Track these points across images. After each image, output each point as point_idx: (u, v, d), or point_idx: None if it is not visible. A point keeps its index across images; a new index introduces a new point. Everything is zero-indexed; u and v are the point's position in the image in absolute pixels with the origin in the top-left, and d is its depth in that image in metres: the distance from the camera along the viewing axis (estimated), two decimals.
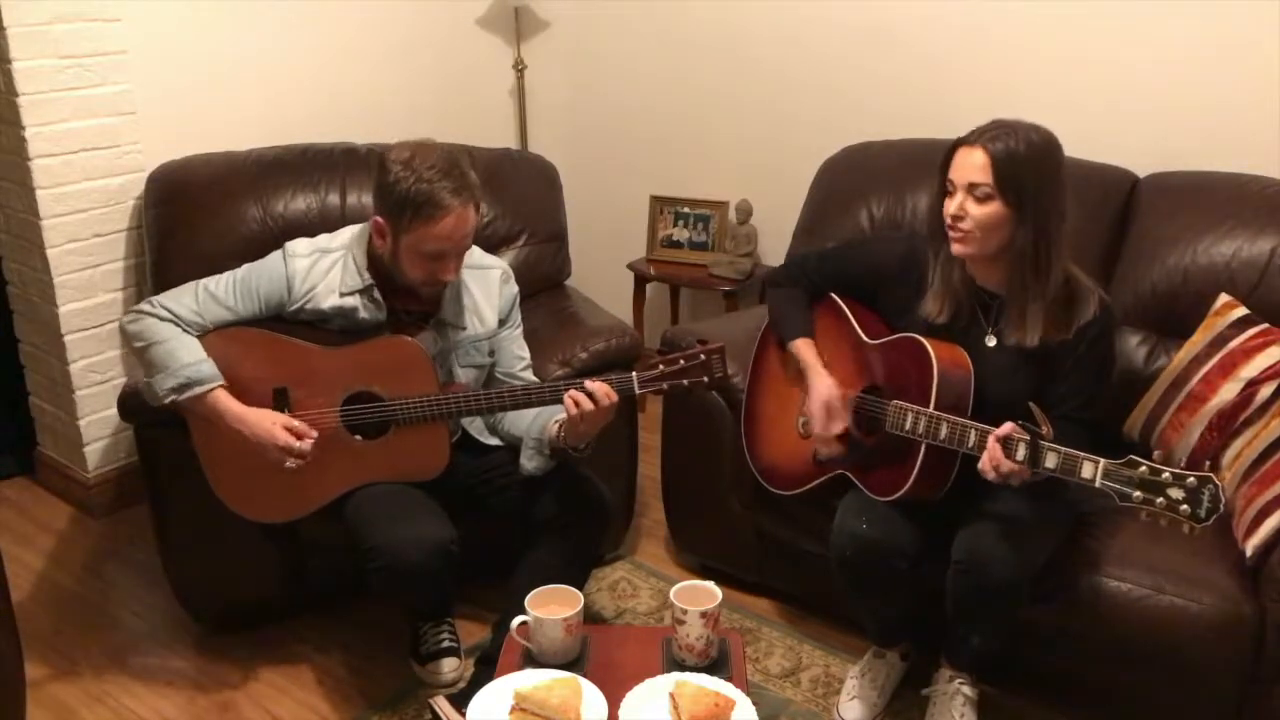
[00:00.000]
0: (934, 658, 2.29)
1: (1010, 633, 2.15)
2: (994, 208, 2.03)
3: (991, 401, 2.10)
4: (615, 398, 2.12)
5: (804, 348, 2.36)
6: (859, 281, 2.37)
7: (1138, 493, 1.80)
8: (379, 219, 2.19)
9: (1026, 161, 2.01)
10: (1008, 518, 2.06)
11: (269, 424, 2.19)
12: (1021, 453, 1.92)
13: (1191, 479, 1.76)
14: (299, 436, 2.19)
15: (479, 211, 2.21)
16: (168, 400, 2.17)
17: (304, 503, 2.28)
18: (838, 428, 2.25)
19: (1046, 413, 1.95)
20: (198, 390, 2.17)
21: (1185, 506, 1.76)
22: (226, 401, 2.19)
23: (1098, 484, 1.85)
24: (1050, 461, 1.90)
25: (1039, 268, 2.06)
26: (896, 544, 2.11)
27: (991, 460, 1.95)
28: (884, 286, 2.32)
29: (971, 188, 2.04)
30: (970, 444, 2.01)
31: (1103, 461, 1.85)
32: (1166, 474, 1.78)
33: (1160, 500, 1.78)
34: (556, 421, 2.21)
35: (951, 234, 2.09)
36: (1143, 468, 1.81)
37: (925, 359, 2.11)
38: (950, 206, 2.07)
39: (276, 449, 2.17)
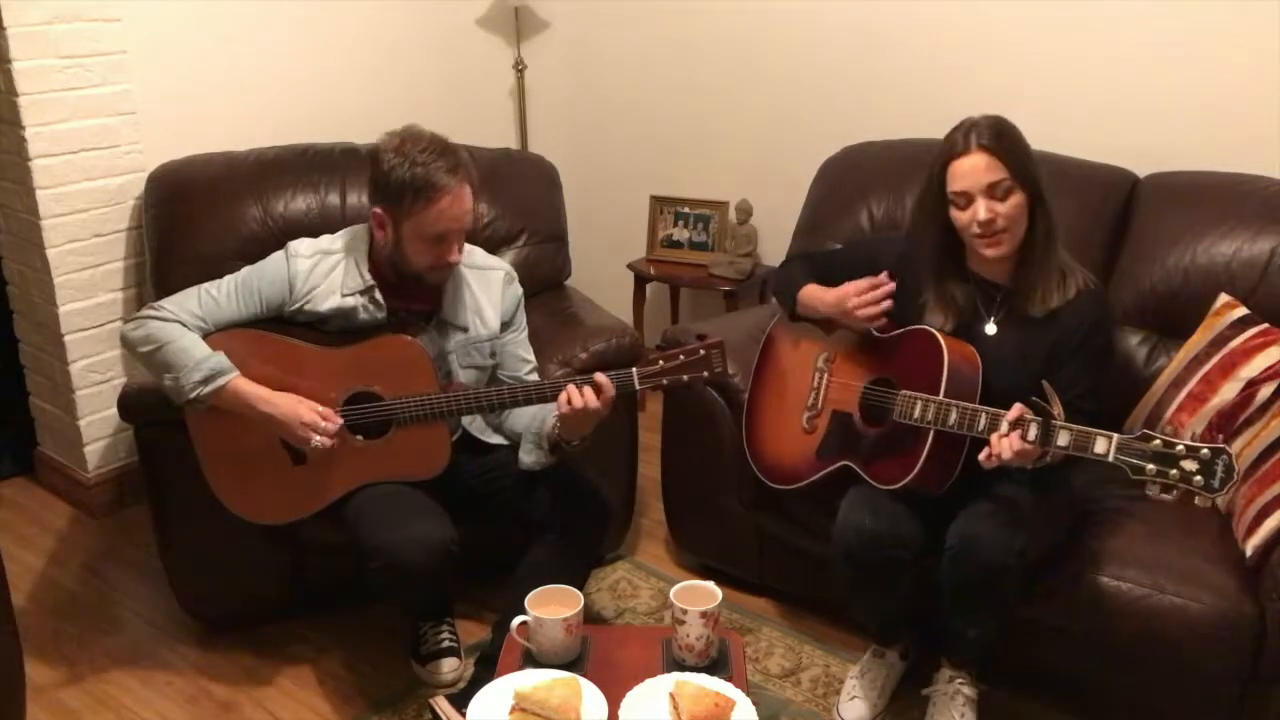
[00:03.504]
0: (934, 658, 2.30)
1: (1004, 623, 2.15)
2: (1018, 198, 2.08)
3: (995, 390, 2.11)
4: (611, 395, 2.13)
5: (812, 288, 2.35)
6: (859, 278, 2.36)
7: (1151, 465, 1.81)
8: (378, 210, 2.19)
9: (1016, 143, 2.09)
10: (1002, 499, 2.06)
11: (294, 402, 2.19)
12: (1033, 432, 1.93)
13: (1205, 450, 1.77)
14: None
15: (475, 190, 2.21)
16: (194, 394, 2.16)
17: (305, 504, 2.28)
18: (885, 289, 2.24)
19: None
20: (223, 380, 2.16)
21: (1199, 478, 1.77)
22: (250, 386, 2.19)
23: (1111, 458, 1.85)
24: (1063, 439, 1.90)
25: (1053, 243, 2.13)
26: (900, 535, 2.11)
27: (1006, 443, 1.92)
28: None
29: (991, 188, 2.06)
30: (980, 427, 2.01)
31: (1116, 436, 1.86)
32: (1180, 446, 1.79)
33: (1174, 472, 1.79)
34: (554, 415, 2.21)
35: (983, 241, 2.10)
36: (1156, 441, 1.82)
37: (936, 350, 2.12)
38: (978, 214, 2.07)
39: (302, 425, 2.17)
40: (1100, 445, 1.87)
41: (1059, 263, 2.16)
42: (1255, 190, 2.50)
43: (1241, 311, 2.36)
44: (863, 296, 2.25)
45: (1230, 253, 2.44)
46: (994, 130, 2.07)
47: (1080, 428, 1.90)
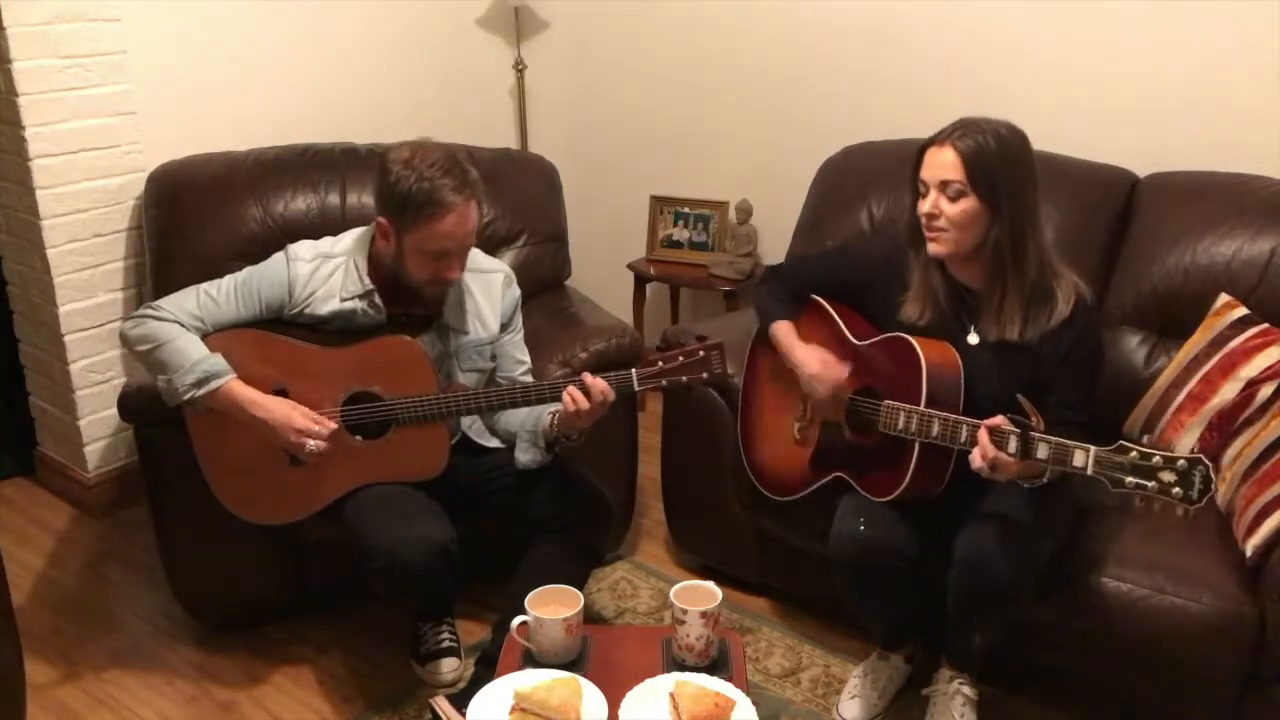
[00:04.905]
0: (934, 658, 2.29)
1: (1011, 631, 2.15)
2: (967, 204, 2.04)
3: (979, 399, 2.10)
4: (613, 397, 2.13)
5: (783, 329, 2.36)
6: (843, 284, 2.36)
7: (1130, 478, 1.80)
8: (382, 220, 2.19)
9: (996, 156, 2.03)
10: (1009, 517, 2.06)
11: (287, 408, 2.19)
12: (1013, 445, 1.91)
13: (1182, 461, 1.76)
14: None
15: (480, 208, 2.21)
16: (187, 396, 2.17)
17: (305, 504, 2.28)
18: (844, 373, 2.25)
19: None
20: (217, 383, 2.17)
21: (1177, 489, 1.76)
22: (243, 390, 2.19)
23: (1089, 472, 1.84)
24: (1041, 452, 1.89)
25: (1015, 262, 2.07)
26: (895, 544, 2.11)
27: (982, 452, 1.94)
28: (868, 288, 2.30)
29: (944, 186, 2.05)
30: (963, 440, 2.01)
31: (1094, 449, 1.84)
32: (1157, 458, 1.78)
33: (1152, 484, 1.78)
34: (551, 413, 2.22)
35: (927, 234, 2.10)
36: (1133, 453, 1.80)
37: (914, 358, 2.11)
38: (924, 206, 2.09)
39: (295, 431, 2.17)
40: (1078, 458, 1.85)
41: (1034, 286, 2.10)
42: (1255, 190, 2.50)
43: (1241, 311, 2.36)
44: (828, 378, 2.26)
45: (1230, 253, 2.44)
46: (979, 135, 2.03)
47: (1059, 440, 1.88)
